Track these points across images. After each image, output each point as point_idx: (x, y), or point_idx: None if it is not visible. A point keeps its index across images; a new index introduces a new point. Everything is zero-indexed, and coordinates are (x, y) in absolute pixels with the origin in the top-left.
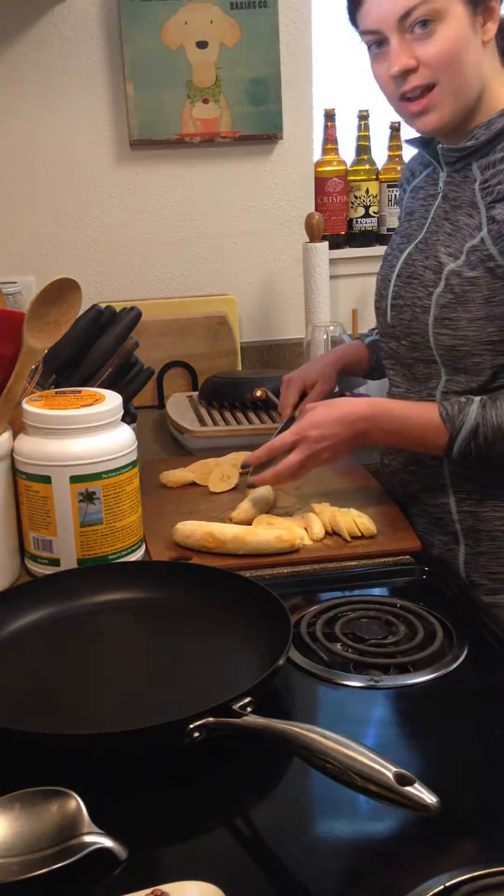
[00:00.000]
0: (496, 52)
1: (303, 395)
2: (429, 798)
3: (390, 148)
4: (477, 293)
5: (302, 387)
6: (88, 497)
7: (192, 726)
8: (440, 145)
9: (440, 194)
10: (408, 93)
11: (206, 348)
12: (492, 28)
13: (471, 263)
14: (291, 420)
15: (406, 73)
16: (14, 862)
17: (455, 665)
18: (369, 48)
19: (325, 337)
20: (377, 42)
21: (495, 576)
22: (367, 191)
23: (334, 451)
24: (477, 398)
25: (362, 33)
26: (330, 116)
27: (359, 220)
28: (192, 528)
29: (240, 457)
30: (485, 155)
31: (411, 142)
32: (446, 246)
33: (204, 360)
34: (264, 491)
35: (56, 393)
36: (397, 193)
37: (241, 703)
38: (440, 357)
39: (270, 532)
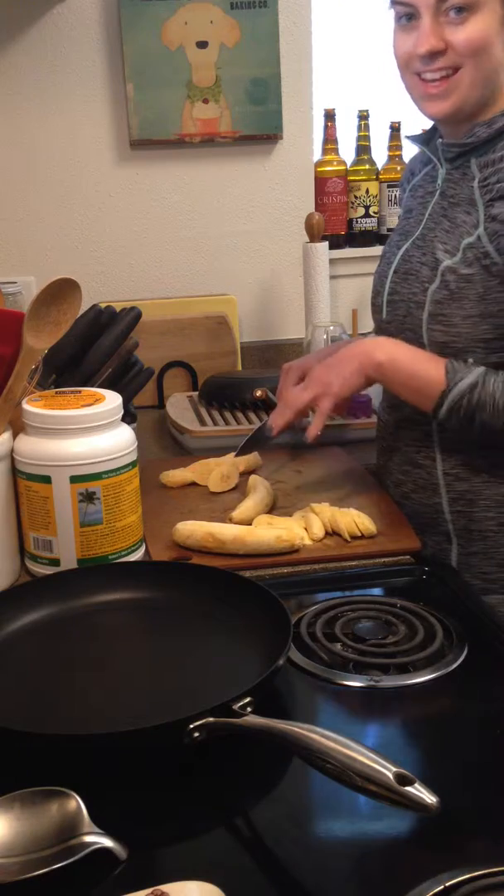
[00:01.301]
0: None
1: None
2: (429, 798)
3: (390, 148)
4: (471, 290)
5: (301, 375)
6: (88, 497)
7: (192, 726)
8: (440, 140)
9: (438, 191)
10: (428, 73)
11: (206, 348)
12: None
13: (467, 260)
14: None
15: (434, 55)
16: (14, 862)
17: (455, 665)
18: (398, 18)
19: (325, 337)
20: (407, 15)
21: (487, 575)
22: (367, 191)
23: (342, 379)
24: (482, 367)
25: (395, 3)
26: (330, 116)
27: (359, 220)
28: (192, 528)
29: (240, 457)
30: (484, 153)
31: (412, 138)
32: (443, 242)
33: (204, 360)
34: (264, 491)
35: (56, 393)
36: (398, 193)
37: (241, 703)
38: (434, 353)
39: (270, 532)
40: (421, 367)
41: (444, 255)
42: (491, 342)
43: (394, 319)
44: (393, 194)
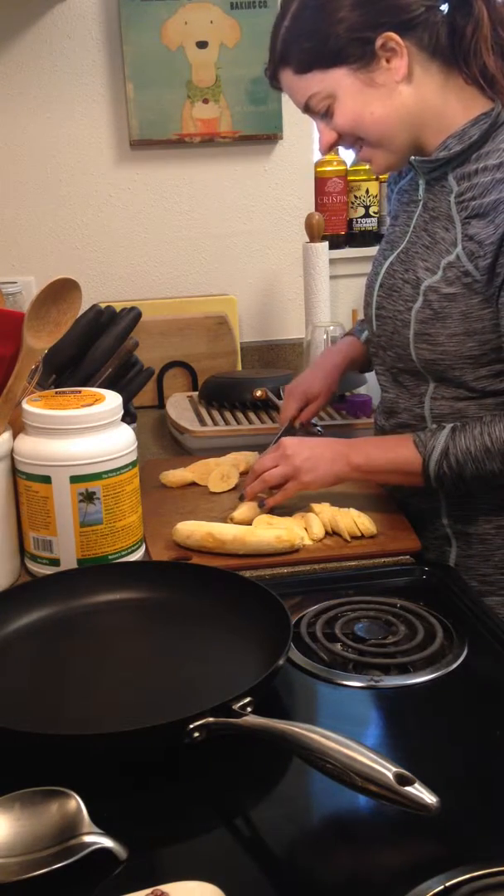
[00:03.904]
0: (436, 72)
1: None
2: (429, 798)
3: None
4: (454, 309)
5: (303, 400)
6: (88, 497)
7: (192, 726)
8: (413, 157)
9: (421, 202)
10: (349, 150)
11: (206, 348)
12: (399, 64)
13: (448, 280)
14: (289, 429)
15: (336, 144)
16: (14, 862)
17: (455, 665)
18: None
19: (325, 337)
20: None
21: (485, 578)
22: (367, 191)
23: (315, 475)
24: (449, 425)
25: None
26: None
27: (359, 220)
28: (192, 528)
29: (240, 457)
30: (460, 164)
31: None
32: (424, 260)
33: (204, 360)
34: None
35: (56, 393)
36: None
37: (241, 703)
38: (424, 369)
39: (270, 532)
40: (394, 453)
41: (426, 273)
42: (478, 358)
43: (383, 334)
44: None
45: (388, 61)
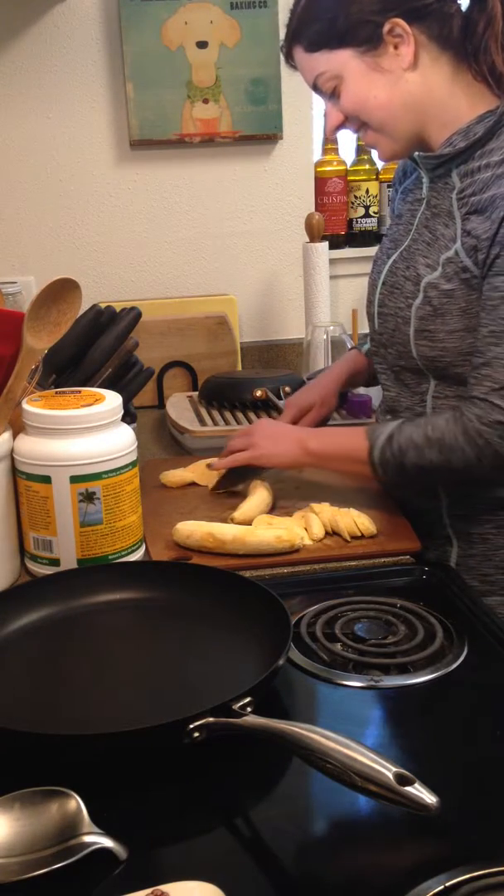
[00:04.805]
0: (445, 64)
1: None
2: (429, 798)
3: None
4: (454, 305)
5: (298, 412)
6: (88, 497)
7: (192, 726)
8: (417, 153)
9: (424, 200)
10: (354, 133)
11: (206, 348)
12: (406, 52)
13: (447, 276)
14: None
15: (342, 126)
16: (14, 862)
17: (455, 665)
18: None
19: (325, 337)
20: None
21: (486, 577)
22: (367, 191)
23: (272, 455)
24: (399, 419)
25: None
26: None
27: (359, 220)
28: (192, 528)
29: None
30: (464, 161)
31: None
32: (424, 256)
33: (204, 360)
34: (265, 491)
35: (56, 393)
36: (391, 193)
37: (241, 703)
38: (424, 367)
39: (270, 532)
40: (346, 441)
41: (426, 269)
42: None
43: (384, 332)
44: None
45: (395, 48)
